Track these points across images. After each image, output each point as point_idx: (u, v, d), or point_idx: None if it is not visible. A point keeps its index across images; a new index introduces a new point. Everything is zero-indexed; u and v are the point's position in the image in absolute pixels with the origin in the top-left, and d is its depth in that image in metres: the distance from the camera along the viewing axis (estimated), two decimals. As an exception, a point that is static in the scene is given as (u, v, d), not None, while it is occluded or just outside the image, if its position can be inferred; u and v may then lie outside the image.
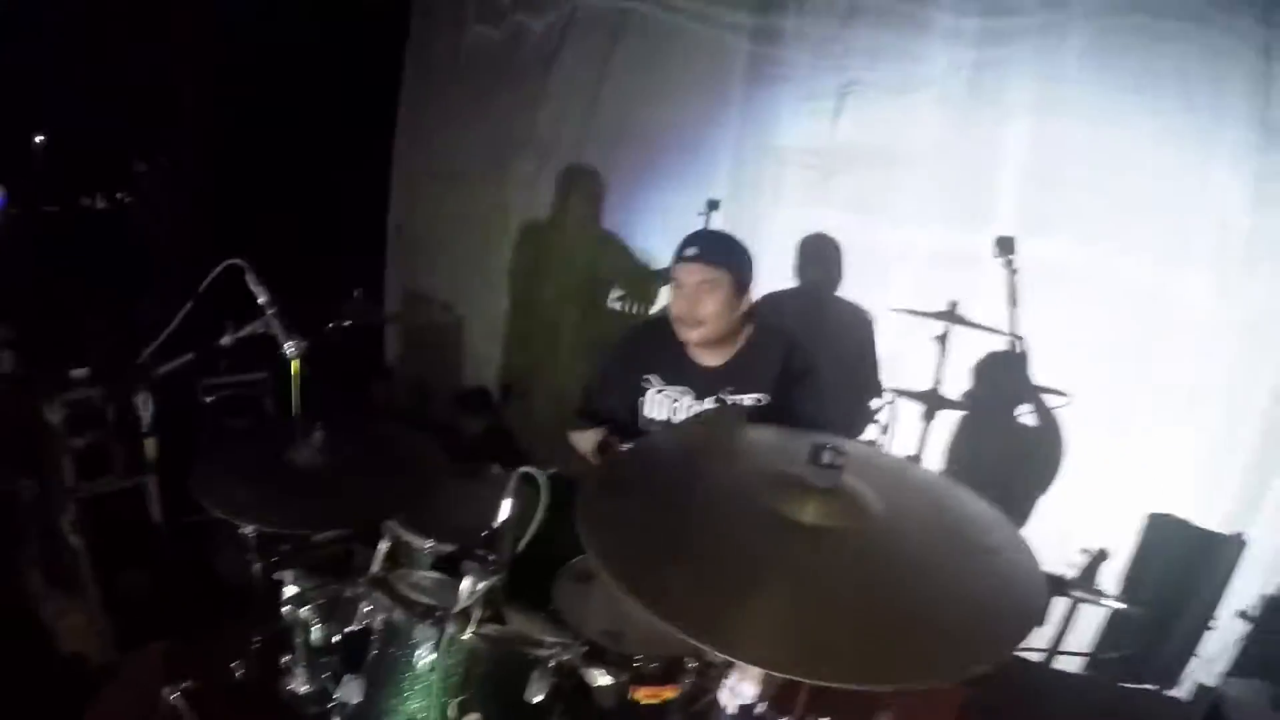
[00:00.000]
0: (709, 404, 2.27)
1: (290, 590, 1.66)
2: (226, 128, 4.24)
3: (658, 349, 2.31)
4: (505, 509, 1.35)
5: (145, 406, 2.13)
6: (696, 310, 2.16)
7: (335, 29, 4.23)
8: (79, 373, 2.65)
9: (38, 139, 3.98)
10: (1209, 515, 2.64)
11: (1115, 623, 2.75)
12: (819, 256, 3.19)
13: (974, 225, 2.88)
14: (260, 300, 1.94)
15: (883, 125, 3.03)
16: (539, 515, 1.42)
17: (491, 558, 1.26)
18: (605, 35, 3.64)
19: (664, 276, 3.41)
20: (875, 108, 3.04)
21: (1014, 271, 2.78)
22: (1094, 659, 2.82)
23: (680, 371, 2.30)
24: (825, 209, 3.17)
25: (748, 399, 2.26)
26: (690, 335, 2.21)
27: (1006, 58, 2.78)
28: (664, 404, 2.30)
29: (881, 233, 3.07)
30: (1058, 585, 2.53)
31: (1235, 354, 2.55)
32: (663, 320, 2.29)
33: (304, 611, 1.65)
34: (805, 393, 2.27)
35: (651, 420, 2.33)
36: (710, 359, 2.28)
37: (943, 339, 2.90)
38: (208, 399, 3.01)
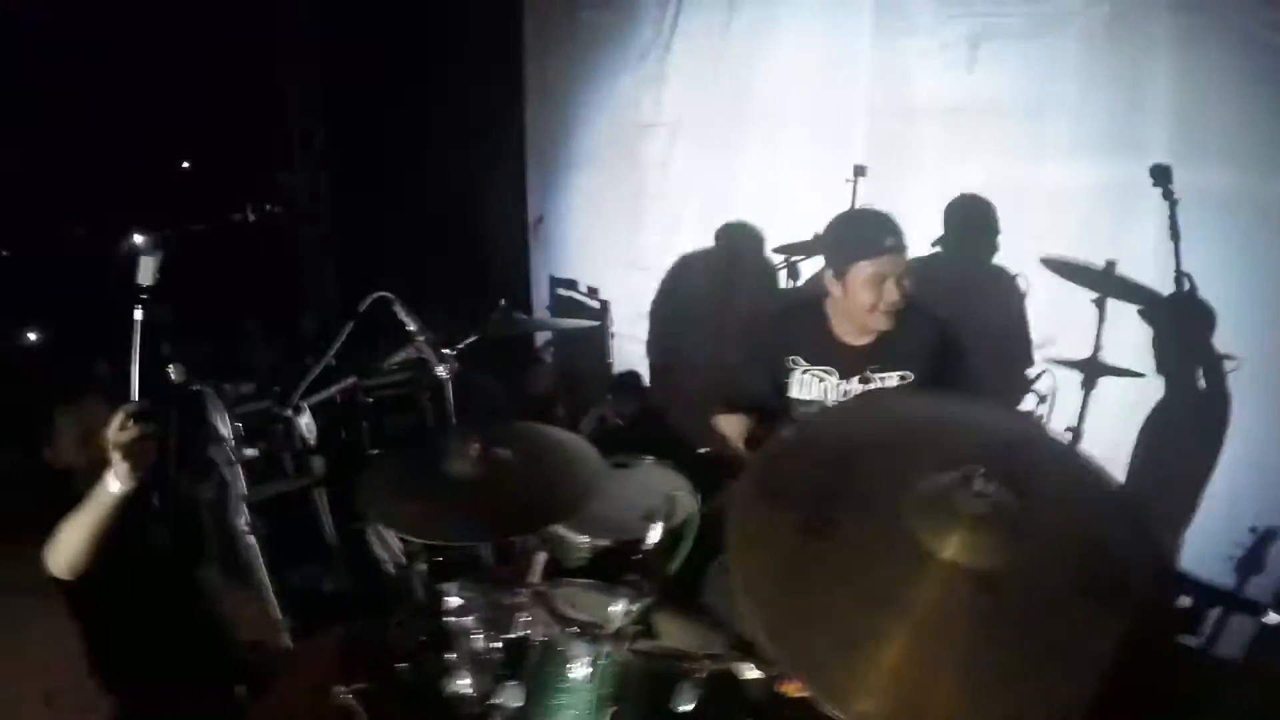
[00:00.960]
0: (855, 383, 2.25)
1: (453, 601, 1.72)
2: (357, 134, 4.39)
3: (802, 329, 2.32)
4: (655, 534, 1.33)
5: (310, 430, 2.25)
6: (903, 296, 2.12)
7: (451, 22, 4.28)
8: (246, 388, 2.83)
9: (184, 165, 4.22)
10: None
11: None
12: (965, 220, 3.02)
13: (1128, 169, 2.65)
14: (410, 328, 1.99)
15: (1021, 72, 2.83)
16: (688, 542, 1.40)
17: (643, 583, 1.24)
18: (721, 7, 3.56)
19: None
20: (1011, 54, 2.84)
21: (1174, 202, 2.51)
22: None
23: (825, 351, 2.28)
24: (970, 166, 3.00)
25: (893, 377, 2.23)
26: (886, 324, 2.16)
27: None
28: (811, 384, 2.30)
29: (1030, 186, 2.88)
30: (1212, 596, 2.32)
31: None
32: (806, 300, 2.29)
33: (466, 620, 1.71)
34: (957, 374, 2.24)
35: (800, 400, 2.33)
36: (855, 338, 2.25)
37: (1100, 302, 2.68)
38: (369, 399, 3.12)
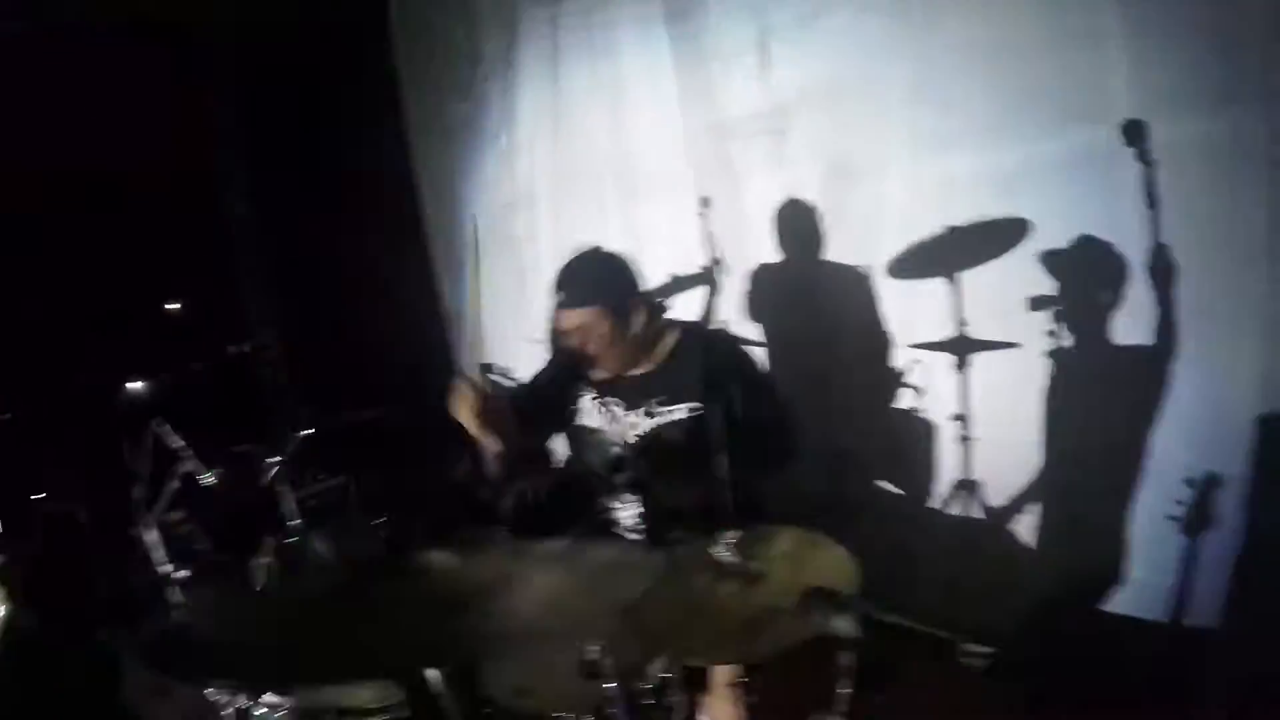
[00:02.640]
0: (640, 415, 2.11)
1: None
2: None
3: None
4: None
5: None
6: (587, 352, 2.02)
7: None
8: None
9: (172, 305, 4.50)
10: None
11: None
12: (791, 225, 2.92)
13: (959, 137, 2.53)
14: (174, 448, 2.18)
15: (816, 59, 2.74)
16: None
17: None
18: (546, 76, 3.64)
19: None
20: (801, 44, 2.76)
21: (1149, 164, 2.23)
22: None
23: (612, 381, 2.15)
24: (792, 171, 2.89)
25: (680, 409, 2.06)
26: (606, 370, 2.09)
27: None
28: (599, 414, 2.18)
29: (857, 178, 2.76)
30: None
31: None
32: None
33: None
34: (739, 392, 1.98)
35: (588, 429, 2.21)
36: (635, 370, 2.13)
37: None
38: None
